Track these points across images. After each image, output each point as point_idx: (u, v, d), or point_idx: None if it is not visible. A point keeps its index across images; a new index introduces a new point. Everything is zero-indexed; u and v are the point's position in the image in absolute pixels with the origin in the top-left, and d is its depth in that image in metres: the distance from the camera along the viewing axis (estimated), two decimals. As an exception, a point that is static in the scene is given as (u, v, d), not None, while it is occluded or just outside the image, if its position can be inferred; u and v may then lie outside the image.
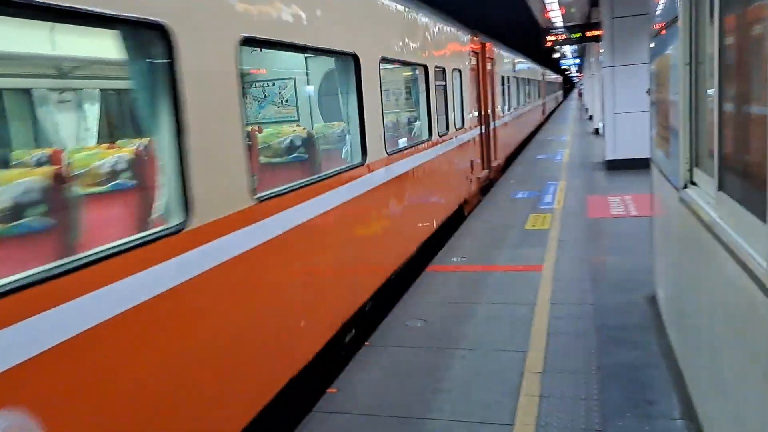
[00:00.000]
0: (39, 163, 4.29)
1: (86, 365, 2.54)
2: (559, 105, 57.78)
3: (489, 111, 13.55)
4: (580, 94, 62.08)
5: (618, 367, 4.64)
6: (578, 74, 67.30)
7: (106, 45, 3.84)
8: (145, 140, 4.25)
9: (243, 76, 3.76)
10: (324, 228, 4.89)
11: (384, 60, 6.44)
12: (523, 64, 23.89)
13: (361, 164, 5.76)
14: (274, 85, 9.16)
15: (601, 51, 16.62)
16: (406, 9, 7.50)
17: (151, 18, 2.87)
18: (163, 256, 2.95)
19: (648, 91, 14.07)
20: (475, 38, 12.39)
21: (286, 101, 9.13)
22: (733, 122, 2.89)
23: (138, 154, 4.11)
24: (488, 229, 9.46)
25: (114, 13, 2.69)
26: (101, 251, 2.66)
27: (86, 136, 6.49)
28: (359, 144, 5.84)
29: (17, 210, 3.14)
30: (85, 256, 2.58)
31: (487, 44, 13.69)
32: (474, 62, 12.15)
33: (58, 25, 5.00)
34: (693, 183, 3.90)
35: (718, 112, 2.97)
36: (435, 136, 8.56)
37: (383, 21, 6.70)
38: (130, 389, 2.78)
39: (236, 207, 3.53)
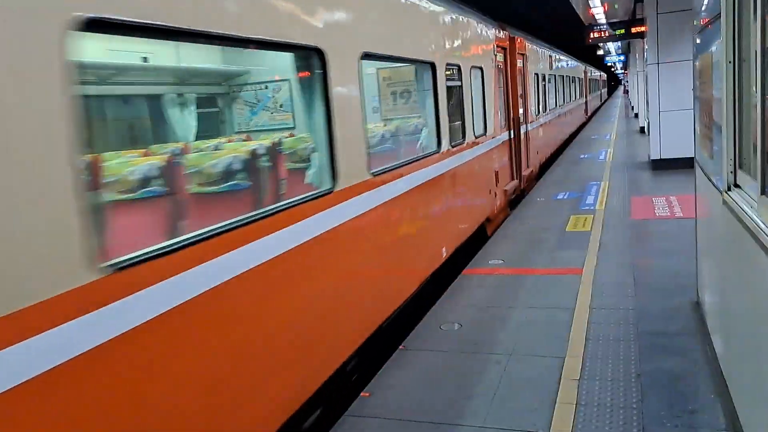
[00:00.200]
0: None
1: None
2: (603, 103, 56.18)
3: (520, 113, 12.25)
4: (626, 91, 60.72)
5: (659, 375, 4.50)
6: (623, 71, 65.85)
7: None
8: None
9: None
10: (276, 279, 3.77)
11: (368, 56, 5.16)
12: (562, 61, 22.29)
13: (328, 191, 4.41)
14: (266, 88, 7.82)
15: (645, 48, 16.19)
16: None
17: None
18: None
19: (693, 89, 13.69)
20: (502, 32, 10.98)
21: (281, 106, 7.79)
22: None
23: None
24: (527, 231, 9.32)
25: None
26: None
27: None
28: (327, 165, 4.49)
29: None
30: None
31: (518, 38, 12.34)
32: (501, 59, 10.88)
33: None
34: (737, 185, 3.75)
35: (762, 111, 2.85)
36: (445, 147, 7.24)
37: (367, 6, 5.24)
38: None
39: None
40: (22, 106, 2.19)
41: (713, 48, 4.32)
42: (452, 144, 7.52)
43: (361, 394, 4.61)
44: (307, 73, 4.53)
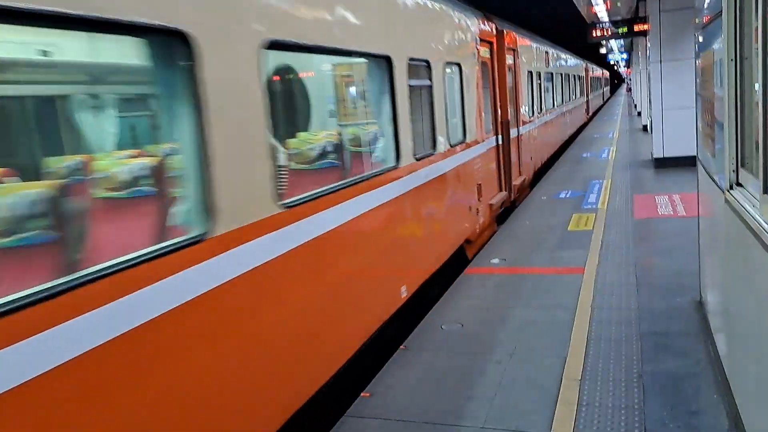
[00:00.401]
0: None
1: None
2: (605, 102, 55.79)
3: (510, 116, 10.91)
4: (629, 90, 60.56)
5: (661, 376, 4.47)
6: (626, 69, 65.70)
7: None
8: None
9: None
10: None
11: (277, 46, 3.85)
12: (560, 58, 20.73)
13: (196, 241, 3.06)
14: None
15: (648, 45, 16.14)
16: None
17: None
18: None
19: (696, 87, 13.60)
20: (487, 23, 9.63)
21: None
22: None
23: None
24: (529, 230, 9.28)
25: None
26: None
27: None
28: (198, 198, 3.15)
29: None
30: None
31: (507, 32, 10.88)
32: (486, 54, 9.60)
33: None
34: (739, 184, 3.72)
35: (764, 110, 2.82)
36: (407, 160, 5.87)
37: None
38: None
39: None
40: None
41: (715, 46, 4.29)
42: (417, 156, 6.13)
43: (362, 394, 4.59)
44: (168, 68, 3.12)
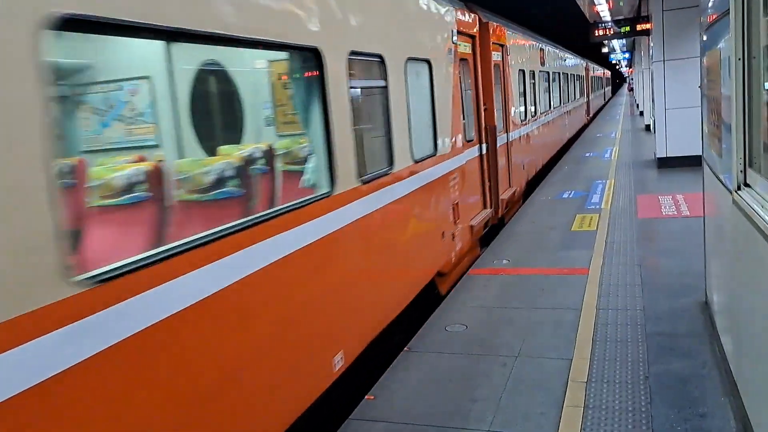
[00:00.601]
0: None
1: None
2: (606, 102, 55.42)
3: (497, 120, 9.57)
4: (630, 89, 60.51)
5: (668, 377, 4.44)
6: (628, 69, 65.64)
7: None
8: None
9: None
10: None
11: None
12: (558, 56, 19.33)
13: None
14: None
15: (651, 45, 16.09)
16: None
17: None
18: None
19: (700, 86, 13.61)
20: (468, 14, 8.40)
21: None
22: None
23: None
24: (532, 231, 9.24)
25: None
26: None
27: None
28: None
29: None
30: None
31: (494, 25, 9.53)
32: (467, 50, 8.35)
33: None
34: (747, 184, 3.68)
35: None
36: (346, 185, 4.51)
37: None
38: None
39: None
40: None
41: (721, 45, 4.26)
42: (364, 178, 4.82)
43: (366, 397, 4.56)
44: None
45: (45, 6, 2.29)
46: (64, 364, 2.28)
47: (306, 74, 4.37)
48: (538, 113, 14.29)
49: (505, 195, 9.90)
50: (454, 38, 7.57)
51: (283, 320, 3.77)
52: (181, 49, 5.37)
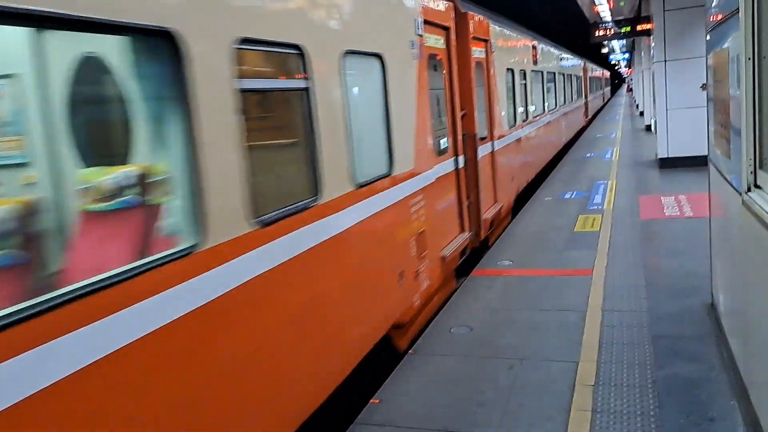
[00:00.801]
0: None
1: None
2: (605, 103, 55.05)
3: (478, 127, 8.30)
4: (629, 89, 60.53)
5: (676, 381, 4.39)
6: (627, 69, 65.67)
7: None
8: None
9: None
10: None
11: None
12: (554, 55, 18.05)
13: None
14: None
15: (652, 45, 16.05)
16: None
17: None
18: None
19: (703, 87, 13.55)
20: (438, 0, 7.04)
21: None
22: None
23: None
24: (535, 232, 9.20)
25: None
26: None
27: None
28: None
29: None
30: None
31: (474, 16, 8.27)
32: (438, 44, 7.03)
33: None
34: (757, 186, 3.64)
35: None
36: (230, 232, 3.22)
37: None
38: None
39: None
40: None
41: (730, 44, 4.21)
42: (260, 219, 3.46)
43: (371, 401, 4.51)
44: None
45: None
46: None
47: (155, 69, 3.07)
48: (530, 118, 12.95)
49: (488, 213, 8.57)
50: (420, 29, 6.18)
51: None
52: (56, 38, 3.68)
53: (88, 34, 2.89)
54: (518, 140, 11.38)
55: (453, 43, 7.47)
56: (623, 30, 18.39)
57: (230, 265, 3.16)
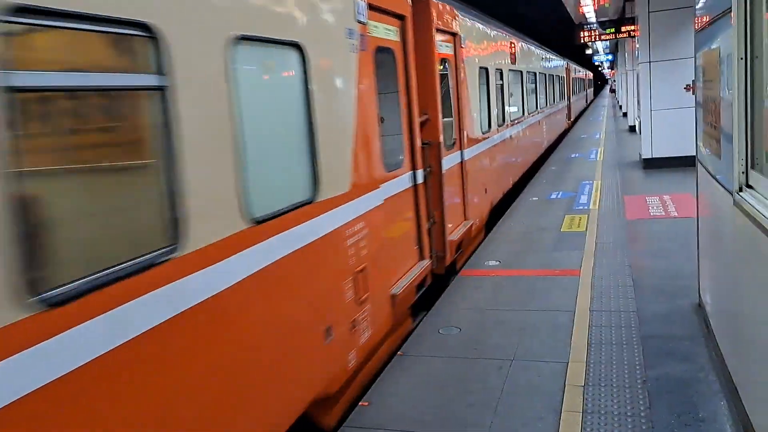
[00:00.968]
0: None
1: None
2: (589, 105, 55.03)
3: (443, 134, 7.14)
4: (612, 90, 61.03)
5: (666, 381, 4.38)
6: (610, 70, 66.22)
7: None
8: None
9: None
10: None
11: None
12: (534, 54, 16.95)
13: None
14: None
15: (636, 46, 16.16)
16: None
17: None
18: None
19: (686, 87, 13.59)
20: None
21: None
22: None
23: None
24: (522, 232, 9.20)
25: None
26: None
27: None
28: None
29: None
30: None
31: (437, 5, 7.16)
32: (390, 35, 5.85)
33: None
34: (749, 186, 3.63)
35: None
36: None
37: None
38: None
39: None
40: None
41: (720, 44, 4.21)
42: (57, 296, 2.22)
43: (360, 403, 4.45)
44: None
45: None
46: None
47: None
48: (507, 122, 11.76)
49: (455, 234, 7.39)
50: (362, 15, 4.97)
51: None
52: None
53: None
54: (493, 147, 10.20)
55: (410, 35, 6.24)
56: (608, 31, 18.49)
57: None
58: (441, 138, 7.04)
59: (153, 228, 2.83)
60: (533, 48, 16.97)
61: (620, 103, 38.76)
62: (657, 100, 13.97)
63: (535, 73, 16.40)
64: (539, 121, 17.02)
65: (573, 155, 18.38)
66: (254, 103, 3.54)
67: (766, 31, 3.38)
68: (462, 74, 8.21)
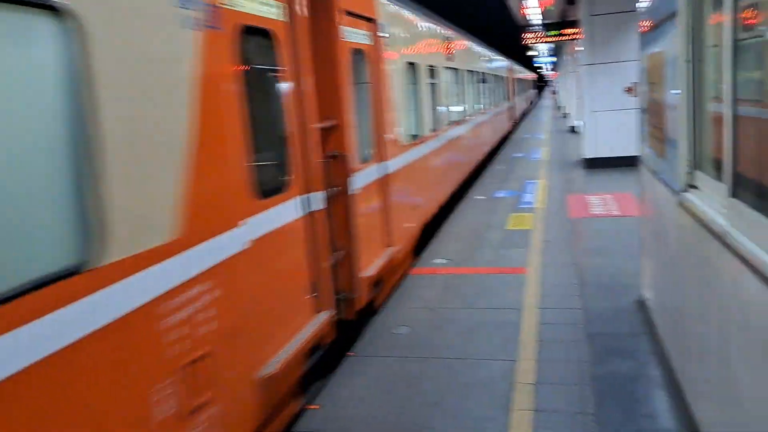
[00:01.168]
0: None
1: None
2: (531, 105, 56.01)
3: (354, 146, 5.71)
4: (554, 92, 62.52)
5: (613, 378, 4.45)
6: (552, 72, 67.79)
7: None
8: None
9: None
10: None
11: None
12: (475, 52, 15.91)
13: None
14: None
15: (577, 49, 16.55)
16: None
17: None
18: None
19: (627, 89, 13.95)
20: None
21: None
22: (752, 124, 2.70)
23: None
24: (469, 229, 9.25)
25: None
26: None
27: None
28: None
29: None
30: None
31: None
32: (272, 13, 4.26)
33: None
34: (693, 186, 3.72)
35: (732, 112, 2.78)
36: None
37: None
38: None
39: None
40: None
41: (666, 47, 4.30)
42: None
43: (310, 406, 4.35)
44: None
45: None
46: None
47: None
48: (442, 126, 10.47)
49: (372, 268, 5.93)
50: None
51: None
52: None
53: None
54: (425, 156, 8.81)
55: (300, 15, 4.60)
56: (551, 33, 18.87)
57: None
58: (352, 149, 5.59)
59: None
60: (473, 45, 15.77)
61: (562, 105, 39.73)
62: (597, 102, 14.34)
63: (475, 72, 15.26)
64: (480, 124, 15.83)
65: (516, 155, 18.70)
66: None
67: (711, 35, 3.46)
68: (382, 70, 6.69)
